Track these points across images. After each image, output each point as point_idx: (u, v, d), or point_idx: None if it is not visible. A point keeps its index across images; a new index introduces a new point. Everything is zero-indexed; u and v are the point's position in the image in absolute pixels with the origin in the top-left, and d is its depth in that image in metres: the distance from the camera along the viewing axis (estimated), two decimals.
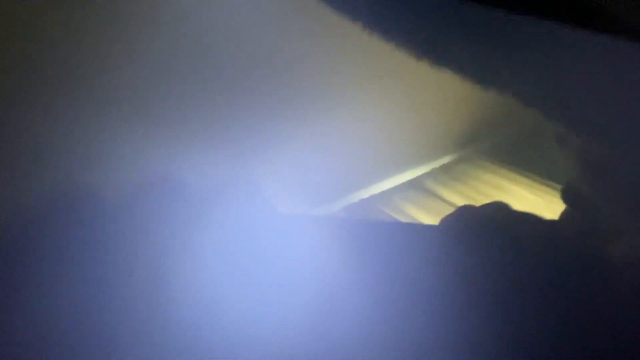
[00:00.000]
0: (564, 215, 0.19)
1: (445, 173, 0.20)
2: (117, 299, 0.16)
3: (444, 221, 0.18)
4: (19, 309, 0.16)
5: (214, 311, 0.16)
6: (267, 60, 0.19)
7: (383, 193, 0.19)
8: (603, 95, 0.22)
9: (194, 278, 0.17)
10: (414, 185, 0.19)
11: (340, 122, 0.19)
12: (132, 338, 0.16)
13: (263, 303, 0.17)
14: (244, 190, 0.18)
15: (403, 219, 0.19)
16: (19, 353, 0.16)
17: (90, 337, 0.16)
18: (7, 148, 0.17)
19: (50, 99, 0.18)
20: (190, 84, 0.19)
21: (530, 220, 0.19)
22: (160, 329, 0.16)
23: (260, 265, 0.17)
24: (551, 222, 0.19)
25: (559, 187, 0.20)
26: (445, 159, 0.20)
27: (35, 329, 0.16)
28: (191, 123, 0.18)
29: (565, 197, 0.19)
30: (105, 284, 0.16)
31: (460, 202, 0.19)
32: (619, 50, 0.23)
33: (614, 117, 0.22)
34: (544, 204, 0.20)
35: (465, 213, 0.19)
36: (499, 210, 0.19)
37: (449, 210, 0.20)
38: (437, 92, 0.20)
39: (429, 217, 0.19)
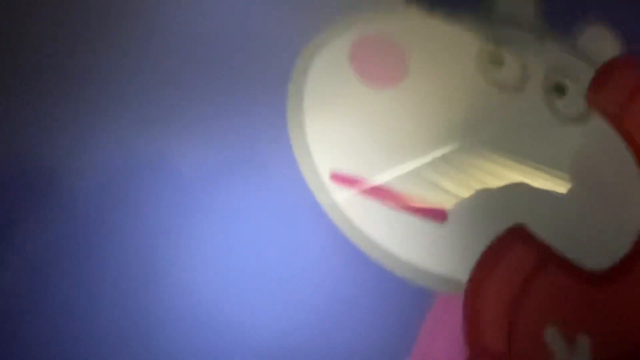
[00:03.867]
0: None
1: (446, 163, 0.19)
2: (104, 298, 0.15)
3: None
4: None
5: (212, 308, 0.16)
6: (266, 46, 0.18)
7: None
8: None
9: (188, 272, 0.16)
10: (415, 175, 0.19)
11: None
12: (122, 340, 0.15)
13: (265, 299, 0.16)
14: (241, 178, 0.17)
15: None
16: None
17: (75, 338, 0.15)
18: None
19: (31, 77, 0.17)
20: (182, 64, 0.18)
21: None
22: (152, 329, 0.15)
23: (261, 258, 0.16)
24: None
25: (561, 174, 0.19)
26: (446, 149, 0.19)
27: (13, 330, 0.15)
28: (184, 105, 0.17)
29: None
30: (91, 279, 0.15)
31: (462, 192, 0.18)
32: None
33: None
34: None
35: None
36: None
37: (451, 200, 0.18)
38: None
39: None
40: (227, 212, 0.16)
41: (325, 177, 0.17)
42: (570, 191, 0.18)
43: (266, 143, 0.17)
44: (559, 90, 0.20)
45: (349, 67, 0.18)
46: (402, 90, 0.18)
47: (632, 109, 0.20)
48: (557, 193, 0.18)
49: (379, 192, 0.17)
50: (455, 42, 0.19)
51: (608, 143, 0.19)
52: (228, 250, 0.16)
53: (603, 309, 0.17)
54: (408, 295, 0.16)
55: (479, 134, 0.19)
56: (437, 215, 0.17)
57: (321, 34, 0.18)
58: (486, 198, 0.17)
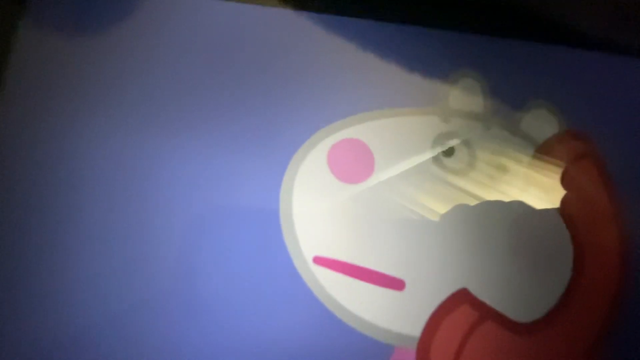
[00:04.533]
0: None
1: (450, 157, 0.20)
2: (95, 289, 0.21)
3: None
4: None
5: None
6: (264, 148, 0.23)
7: (389, 180, 0.20)
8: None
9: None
10: (420, 170, 0.20)
11: (345, 110, 0.23)
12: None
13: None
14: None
15: (411, 206, 0.23)
16: None
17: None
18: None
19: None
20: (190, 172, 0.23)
21: None
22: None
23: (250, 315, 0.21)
24: None
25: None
26: (451, 143, 0.21)
27: None
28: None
29: None
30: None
31: (468, 186, 0.22)
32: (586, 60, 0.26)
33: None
34: (550, 183, 0.21)
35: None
36: None
37: (457, 195, 0.23)
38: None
39: (438, 202, 0.20)
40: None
41: (309, 259, 0.22)
42: (507, 257, 0.23)
43: (263, 230, 0.22)
44: (503, 169, 0.24)
45: (327, 167, 0.23)
46: (370, 183, 0.23)
47: (563, 180, 0.24)
48: (496, 260, 0.23)
49: (351, 270, 0.22)
50: (412, 137, 0.24)
51: (543, 212, 0.24)
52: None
53: (529, 353, 0.22)
54: (372, 349, 0.21)
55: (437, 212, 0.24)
56: (396, 285, 0.22)
57: (305, 142, 0.23)
58: (435, 268, 0.22)
